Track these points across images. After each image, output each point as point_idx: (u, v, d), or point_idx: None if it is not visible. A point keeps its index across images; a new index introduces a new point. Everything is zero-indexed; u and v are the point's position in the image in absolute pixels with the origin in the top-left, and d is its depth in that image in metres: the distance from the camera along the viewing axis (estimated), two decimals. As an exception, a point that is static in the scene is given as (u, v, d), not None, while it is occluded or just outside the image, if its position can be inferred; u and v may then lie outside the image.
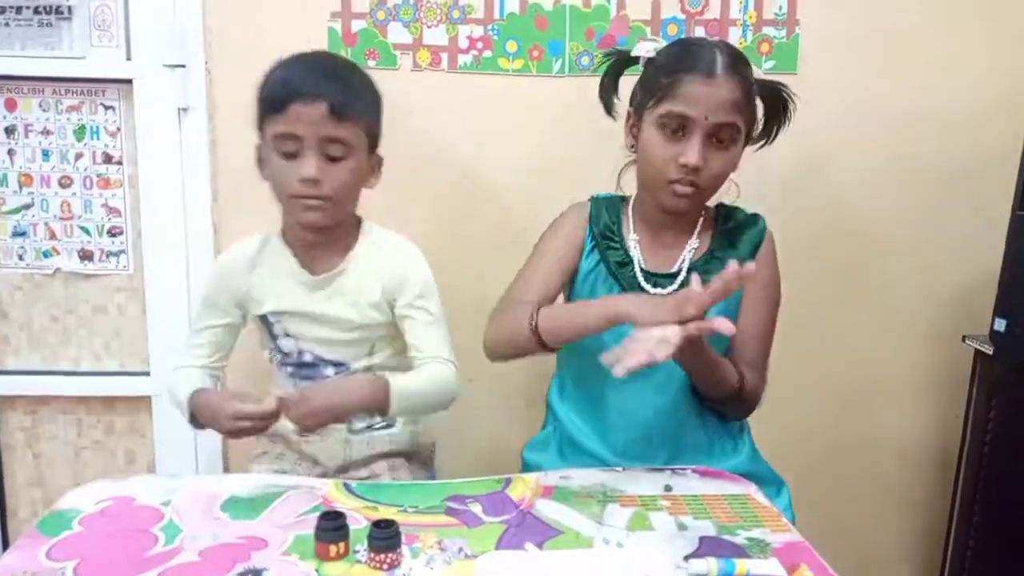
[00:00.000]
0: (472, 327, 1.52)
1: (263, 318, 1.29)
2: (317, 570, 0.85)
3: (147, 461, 1.76)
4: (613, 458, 1.26)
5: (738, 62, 1.18)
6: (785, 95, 1.25)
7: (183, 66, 1.59)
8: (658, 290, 1.24)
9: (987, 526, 1.60)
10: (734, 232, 1.27)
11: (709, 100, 1.15)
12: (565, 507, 1.01)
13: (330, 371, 1.28)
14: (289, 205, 1.20)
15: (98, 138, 1.65)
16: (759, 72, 1.24)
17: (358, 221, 1.30)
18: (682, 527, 0.97)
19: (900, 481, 1.85)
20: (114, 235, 1.69)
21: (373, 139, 1.23)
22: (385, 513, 0.97)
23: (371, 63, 1.59)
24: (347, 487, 1.06)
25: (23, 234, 1.68)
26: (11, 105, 1.64)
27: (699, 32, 1.61)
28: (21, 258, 1.69)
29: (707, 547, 0.92)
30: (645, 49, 1.24)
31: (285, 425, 1.32)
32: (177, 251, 1.65)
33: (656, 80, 1.19)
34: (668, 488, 1.07)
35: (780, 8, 1.62)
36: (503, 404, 1.74)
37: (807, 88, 1.60)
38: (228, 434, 1.15)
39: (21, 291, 1.71)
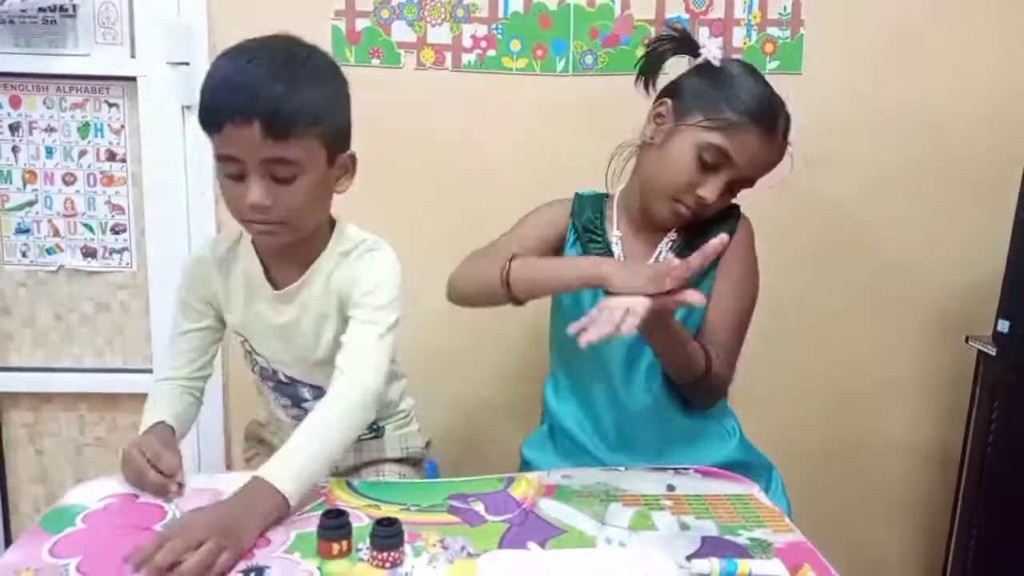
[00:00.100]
0: (472, 328, 1.53)
1: (236, 333, 1.21)
2: (319, 568, 0.85)
3: (149, 458, 1.76)
4: (606, 450, 1.27)
5: (789, 130, 1.22)
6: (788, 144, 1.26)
7: (187, 63, 1.59)
8: None
9: (989, 527, 1.60)
10: (710, 223, 1.25)
11: (757, 158, 1.18)
12: (567, 506, 1.01)
13: (308, 392, 1.20)
14: (245, 228, 1.08)
15: (102, 135, 1.66)
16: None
17: (332, 225, 1.16)
18: (684, 527, 0.97)
19: (902, 482, 1.84)
20: (117, 232, 1.69)
21: (334, 142, 1.05)
22: (387, 511, 0.97)
23: (375, 62, 1.60)
24: (350, 485, 1.06)
25: (27, 231, 1.68)
26: (15, 102, 1.64)
27: (703, 32, 1.61)
28: (25, 255, 1.69)
29: (709, 547, 0.92)
30: (713, 54, 1.22)
31: (271, 429, 1.31)
32: (180, 248, 1.65)
33: (718, 104, 1.17)
34: (671, 487, 1.07)
35: (784, 8, 1.62)
36: (502, 403, 1.74)
37: (812, 88, 1.61)
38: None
39: (25, 288, 1.71)
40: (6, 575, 0.83)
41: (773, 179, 1.25)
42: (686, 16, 1.61)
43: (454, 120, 1.64)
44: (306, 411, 1.18)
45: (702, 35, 1.59)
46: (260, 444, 1.35)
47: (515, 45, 1.61)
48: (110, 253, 1.70)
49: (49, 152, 1.66)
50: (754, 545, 0.92)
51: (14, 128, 1.64)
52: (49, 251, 1.69)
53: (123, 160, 1.67)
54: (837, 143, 1.67)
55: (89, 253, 1.70)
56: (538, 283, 1.16)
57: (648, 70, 1.29)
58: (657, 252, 1.26)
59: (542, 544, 0.92)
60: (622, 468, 1.16)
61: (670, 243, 1.26)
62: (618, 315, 0.97)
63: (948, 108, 1.67)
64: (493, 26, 1.61)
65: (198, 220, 1.65)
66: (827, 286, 1.75)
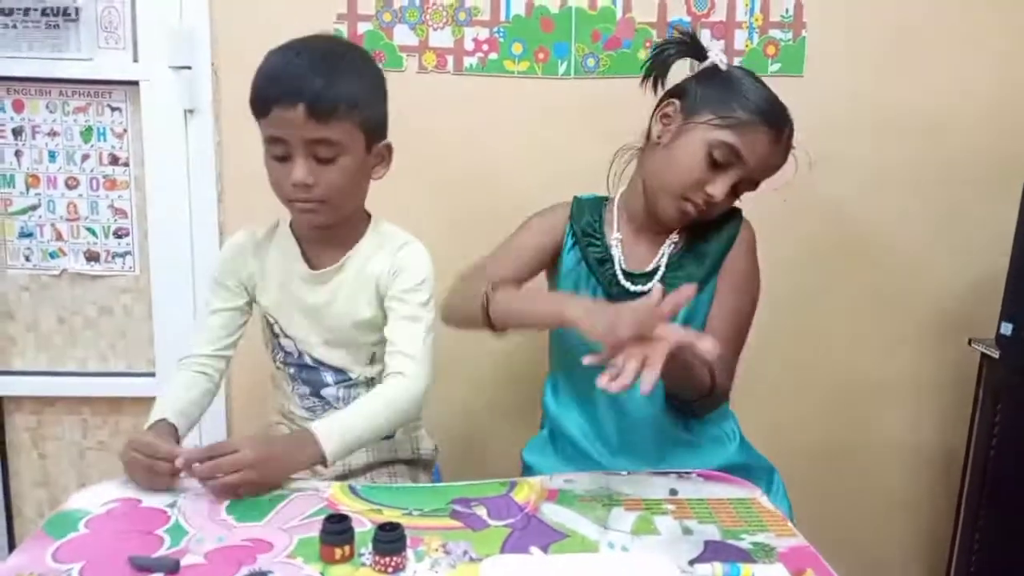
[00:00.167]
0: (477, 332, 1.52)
1: (264, 316, 1.27)
2: (322, 573, 0.85)
3: (152, 462, 1.76)
4: (608, 455, 1.27)
5: (792, 136, 1.23)
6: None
7: (189, 68, 1.59)
8: (637, 287, 1.24)
9: (992, 530, 1.60)
10: (711, 226, 1.26)
11: (765, 158, 1.19)
12: (570, 511, 1.01)
13: (330, 377, 1.26)
14: (287, 207, 1.18)
15: (105, 139, 1.66)
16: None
17: (368, 217, 1.26)
18: (687, 531, 0.96)
19: (905, 484, 1.84)
20: (120, 236, 1.69)
21: (372, 129, 1.15)
22: (390, 516, 0.97)
23: (376, 62, 1.59)
24: (352, 490, 1.06)
25: (30, 235, 1.69)
26: (18, 107, 1.64)
27: (705, 35, 1.61)
28: (28, 259, 1.70)
29: (712, 551, 0.91)
30: (719, 58, 1.24)
31: (281, 430, 1.32)
32: (183, 252, 1.66)
33: (729, 103, 1.18)
34: (673, 492, 1.07)
35: (786, 11, 1.62)
36: (503, 406, 1.74)
37: (813, 90, 1.62)
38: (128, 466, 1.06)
39: (28, 292, 1.72)
40: (10, 580, 0.83)
41: (777, 181, 1.25)
42: (688, 19, 1.61)
43: (456, 123, 1.64)
44: (324, 399, 1.27)
45: (704, 38, 1.60)
46: None
47: (517, 48, 1.62)
48: (113, 257, 1.70)
49: (52, 156, 1.66)
50: (757, 549, 0.92)
51: (17, 132, 1.65)
52: (52, 255, 1.70)
53: (126, 164, 1.67)
54: (838, 144, 1.67)
55: (92, 257, 1.70)
56: (513, 316, 1.16)
57: (656, 71, 1.29)
58: (659, 255, 1.26)
59: (544, 548, 0.92)
60: (624, 472, 1.15)
61: (672, 245, 1.26)
62: (635, 364, 0.95)
63: (949, 109, 1.67)
64: (495, 29, 1.61)
65: (201, 223, 1.65)
66: (828, 287, 1.75)
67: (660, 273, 1.25)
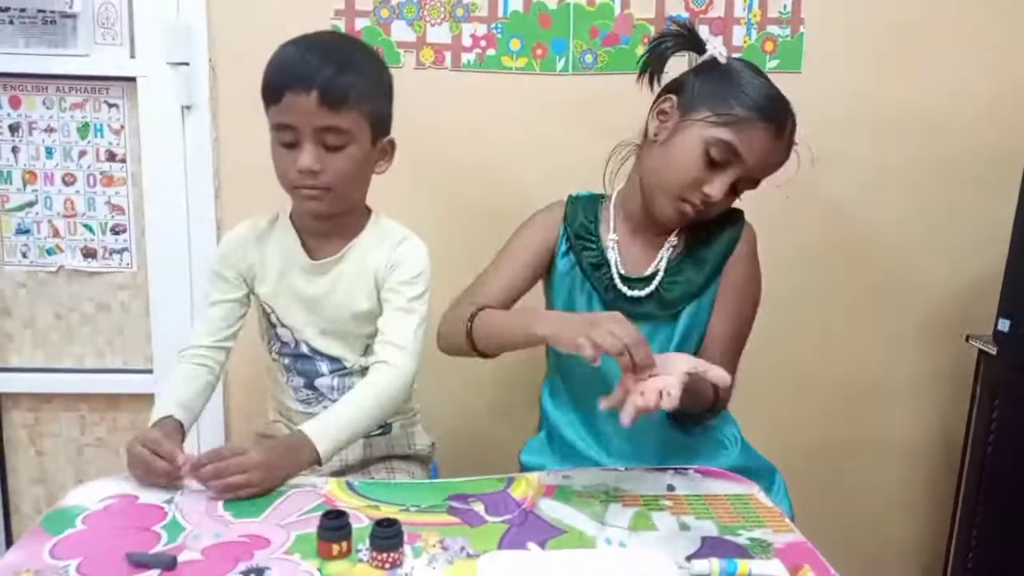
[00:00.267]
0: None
1: (261, 306, 1.28)
2: (319, 569, 0.85)
3: (150, 458, 1.76)
4: (607, 459, 1.26)
5: (795, 131, 1.20)
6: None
7: (187, 64, 1.59)
8: (634, 292, 1.22)
9: (990, 526, 1.60)
10: (712, 229, 1.24)
11: (765, 156, 1.16)
12: (567, 507, 1.01)
13: (326, 366, 1.27)
14: (292, 194, 1.19)
15: (102, 136, 1.66)
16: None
17: (368, 211, 1.28)
18: (684, 527, 0.97)
19: (903, 481, 1.84)
20: (117, 233, 1.69)
21: (378, 123, 1.18)
22: (387, 512, 0.97)
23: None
24: (349, 486, 1.06)
25: (27, 232, 1.69)
26: (15, 103, 1.64)
27: (703, 31, 1.61)
28: (25, 255, 1.69)
29: (709, 547, 0.92)
30: (718, 51, 1.21)
31: (280, 428, 1.33)
32: (180, 249, 1.66)
33: (726, 99, 1.15)
34: (671, 488, 1.07)
35: (784, 7, 1.62)
36: (502, 404, 1.74)
37: (811, 87, 1.61)
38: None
39: (25, 288, 1.71)
40: (6, 576, 0.83)
41: (779, 178, 1.24)
42: (686, 15, 1.61)
43: (454, 119, 1.64)
44: (318, 390, 1.27)
45: (702, 33, 1.59)
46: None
47: (515, 44, 1.61)
48: (110, 253, 1.70)
49: (49, 152, 1.66)
50: (754, 545, 0.92)
51: (14, 129, 1.64)
52: (49, 252, 1.69)
53: (123, 160, 1.67)
54: (837, 142, 1.67)
55: (89, 254, 1.70)
56: (493, 340, 1.16)
57: (652, 66, 1.25)
58: (658, 259, 1.24)
59: (542, 544, 0.92)
60: (622, 468, 1.15)
61: (671, 249, 1.25)
62: (653, 398, 0.95)
63: (948, 106, 1.67)
64: (493, 25, 1.61)
65: (198, 220, 1.65)
66: (827, 285, 1.75)
67: (659, 278, 1.23)
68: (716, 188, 1.15)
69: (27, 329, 1.73)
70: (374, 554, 0.86)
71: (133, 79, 1.61)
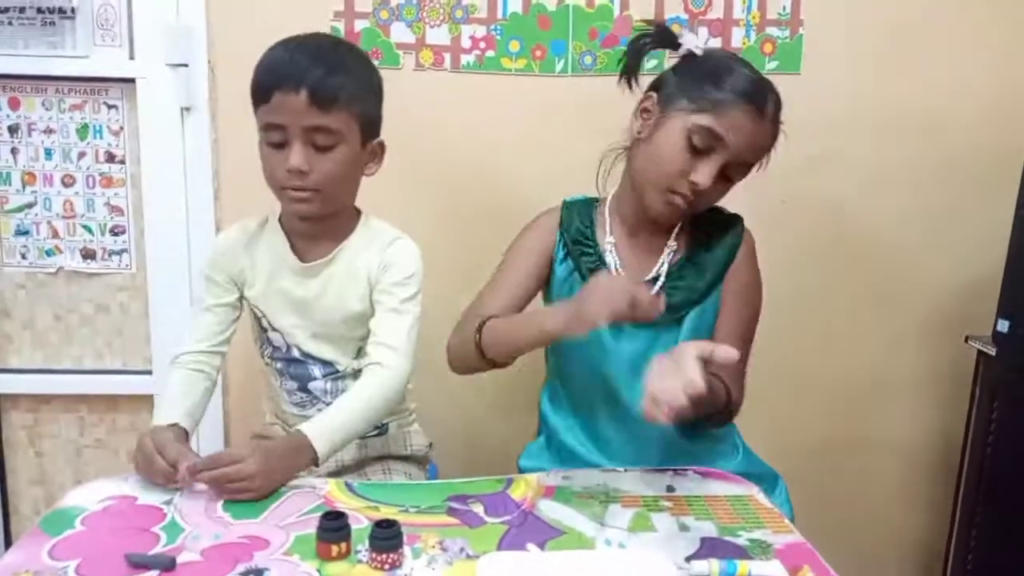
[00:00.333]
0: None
1: (252, 310, 1.28)
2: (319, 570, 0.85)
3: (149, 460, 1.76)
4: (609, 465, 1.24)
5: (779, 113, 1.18)
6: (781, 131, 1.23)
7: (186, 65, 1.59)
8: None
9: (989, 527, 1.60)
10: (712, 234, 1.25)
11: (750, 138, 1.14)
12: (567, 507, 1.01)
13: (318, 370, 1.27)
14: (280, 195, 1.18)
15: (101, 137, 1.66)
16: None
17: (358, 213, 1.27)
18: (684, 528, 0.97)
19: (902, 481, 1.84)
20: (117, 234, 1.69)
21: (368, 125, 1.18)
22: (386, 513, 0.97)
23: (374, 63, 1.59)
24: (349, 487, 1.06)
25: (26, 233, 1.68)
26: (14, 104, 1.64)
27: (702, 33, 1.61)
28: (24, 257, 1.69)
29: (709, 548, 0.92)
30: (693, 43, 1.20)
31: (277, 430, 1.33)
32: (179, 250, 1.66)
33: (702, 86, 1.15)
34: (670, 489, 1.07)
35: (784, 8, 1.62)
36: (502, 405, 1.73)
37: (811, 88, 1.62)
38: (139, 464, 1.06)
39: (24, 290, 1.71)
40: (5, 577, 0.83)
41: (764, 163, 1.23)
42: (685, 16, 1.61)
43: (453, 121, 1.64)
44: (311, 393, 1.27)
45: (701, 35, 1.60)
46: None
47: (514, 46, 1.61)
48: (109, 255, 1.70)
49: (48, 154, 1.66)
50: (753, 546, 0.92)
51: (13, 130, 1.64)
52: (48, 253, 1.69)
53: (122, 162, 1.67)
54: (836, 142, 1.67)
55: (88, 255, 1.70)
56: (503, 347, 1.15)
57: (629, 68, 1.26)
58: (659, 264, 1.24)
59: (541, 545, 0.92)
60: (621, 469, 1.15)
61: (671, 253, 1.24)
62: (678, 393, 0.92)
63: (948, 107, 1.67)
64: (492, 27, 1.61)
65: (197, 221, 1.65)
66: (826, 285, 1.75)
67: (660, 282, 1.22)
68: (702, 175, 1.14)
69: (26, 330, 1.73)
70: (373, 555, 0.86)
71: (132, 80, 1.61)
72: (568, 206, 1.30)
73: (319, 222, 1.20)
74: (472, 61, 1.62)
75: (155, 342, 1.70)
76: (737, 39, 1.62)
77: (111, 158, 1.66)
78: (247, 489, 1.00)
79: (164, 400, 1.20)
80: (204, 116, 1.61)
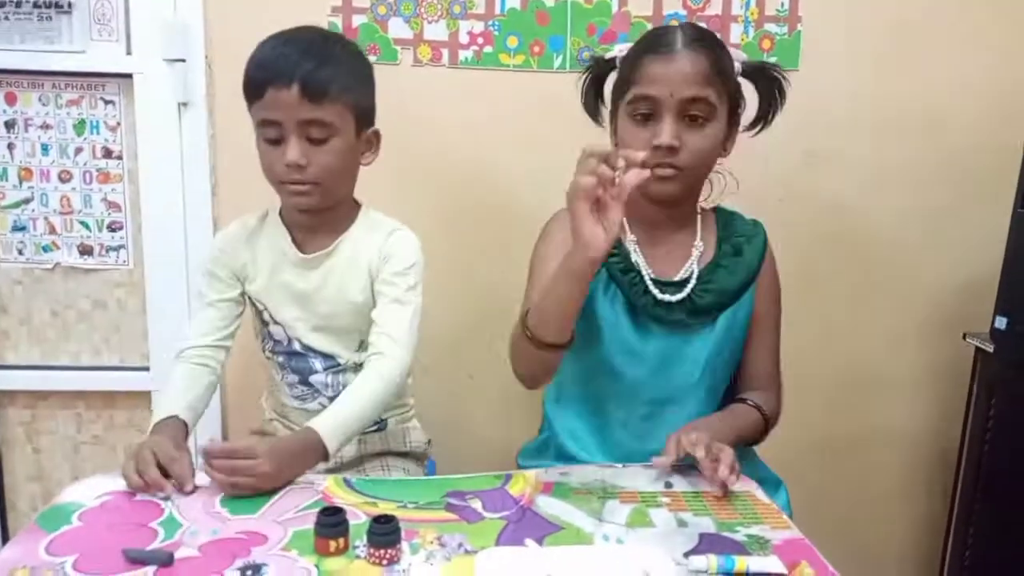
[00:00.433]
0: (471, 320, 1.53)
1: (253, 304, 1.28)
2: (317, 565, 0.85)
3: (147, 456, 1.76)
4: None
5: (702, 37, 1.15)
6: (776, 74, 1.22)
7: (183, 61, 1.58)
8: (666, 296, 1.21)
9: (986, 523, 1.60)
10: (738, 241, 1.26)
11: (671, 76, 1.12)
12: (565, 503, 1.01)
13: (319, 363, 1.27)
14: (279, 190, 1.19)
15: (98, 133, 1.65)
16: (743, 55, 1.22)
17: (357, 205, 1.28)
18: (682, 524, 0.97)
19: (900, 478, 1.85)
20: (114, 230, 1.69)
21: (362, 115, 1.19)
22: (385, 509, 0.97)
23: (372, 58, 1.58)
24: (347, 482, 1.06)
25: (23, 229, 1.68)
26: (11, 99, 1.63)
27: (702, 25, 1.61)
28: (21, 252, 1.69)
29: (707, 544, 0.92)
30: (620, 49, 1.23)
31: (276, 428, 1.33)
32: (177, 246, 1.65)
33: (622, 72, 1.19)
34: (668, 485, 1.07)
35: (782, 5, 1.62)
36: (502, 401, 1.73)
37: (809, 85, 1.61)
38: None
39: (21, 286, 1.71)
40: (3, 573, 0.83)
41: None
42: (683, 12, 1.61)
43: (451, 116, 1.63)
44: (312, 387, 1.28)
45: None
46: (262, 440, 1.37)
47: (512, 41, 1.61)
48: (107, 250, 1.69)
49: (45, 149, 1.65)
50: (751, 542, 0.92)
51: (9, 125, 1.64)
52: (45, 248, 1.69)
53: (119, 157, 1.66)
54: (835, 140, 1.67)
55: (86, 250, 1.69)
56: (551, 318, 1.07)
57: (585, 106, 1.29)
58: (689, 263, 1.23)
59: (539, 541, 0.92)
60: (619, 465, 1.15)
61: (699, 252, 1.24)
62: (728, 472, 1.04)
63: (946, 104, 1.68)
64: (490, 22, 1.60)
65: (195, 217, 1.65)
66: (825, 283, 1.75)
67: (692, 284, 1.22)
68: (663, 136, 1.12)
69: (23, 326, 1.73)
70: (371, 550, 0.86)
71: (129, 76, 1.60)
72: None
73: (319, 214, 1.21)
74: (470, 57, 1.62)
75: (152, 338, 1.69)
76: (735, 35, 1.62)
77: (108, 154, 1.66)
78: (253, 487, 1.00)
79: (166, 393, 1.20)
80: (201, 111, 1.61)
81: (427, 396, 1.46)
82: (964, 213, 1.72)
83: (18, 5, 1.56)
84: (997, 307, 1.50)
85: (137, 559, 0.85)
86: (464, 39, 1.61)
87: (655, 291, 1.21)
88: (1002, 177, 1.56)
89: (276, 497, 1.00)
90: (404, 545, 0.88)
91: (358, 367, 1.24)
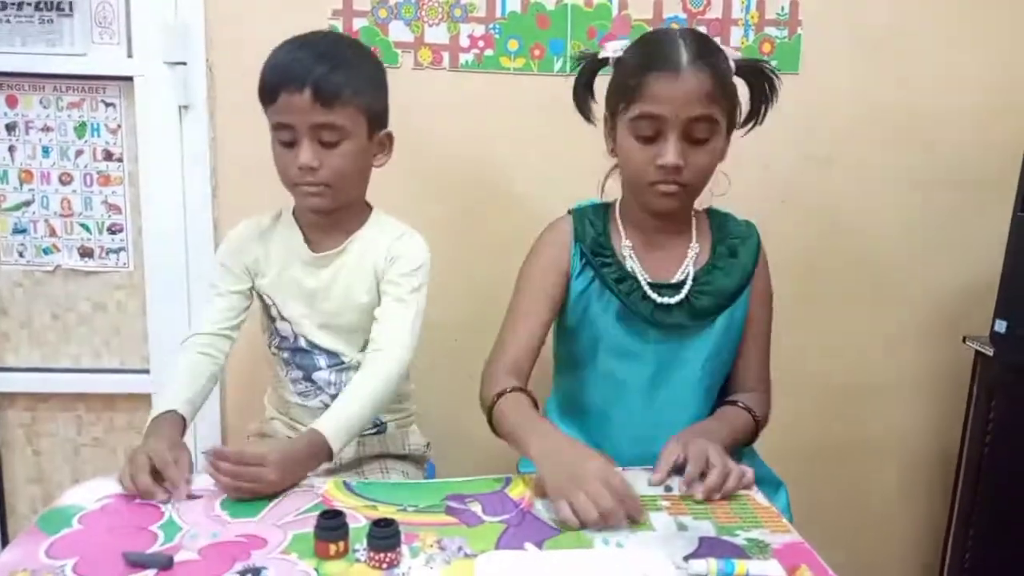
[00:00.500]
0: (470, 321, 1.53)
1: (261, 298, 1.29)
2: (316, 569, 0.85)
3: (147, 458, 1.76)
4: None
5: (705, 51, 1.13)
6: (768, 72, 1.21)
7: (184, 63, 1.59)
8: (664, 299, 1.20)
9: (986, 526, 1.60)
10: (733, 243, 1.25)
11: (678, 97, 1.11)
12: (565, 507, 1.01)
13: (323, 360, 1.28)
14: (293, 191, 1.22)
15: (99, 135, 1.65)
16: (735, 53, 1.20)
17: (368, 207, 1.30)
18: (682, 527, 0.96)
19: (900, 481, 1.85)
20: (114, 232, 1.69)
21: (374, 117, 1.21)
22: (384, 512, 0.97)
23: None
24: (347, 486, 1.06)
25: (23, 231, 1.68)
26: (12, 102, 1.63)
27: (700, 32, 1.61)
28: (21, 255, 1.69)
29: (707, 548, 0.91)
30: (613, 49, 1.21)
31: (276, 428, 1.33)
32: (177, 248, 1.65)
33: (624, 82, 1.16)
34: (668, 488, 1.07)
35: (782, 8, 1.62)
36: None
37: (809, 88, 1.62)
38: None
39: (21, 288, 1.71)
40: (2, 576, 0.83)
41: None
42: (683, 16, 1.61)
43: (451, 120, 1.64)
44: (315, 384, 1.29)
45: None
46: (261, 442, 1.38)
47: (512, 45, 1.61)
48: (107, 253, 1.70)
49: (46, 152, 1.66)
50: (751, 546, 0.92)
51: (10, 128, 1.64)
52: (46, 251, 1.69)
53: (120, 160, 1.66)
54: (834, 143, 1.68)
55: (86, 253, 1.69)
56: (504, 435, 1.15)
57: (577, 104, 1.27)
58: (685, 265, 1.23)
59: (539, 544, 0.92)
60: (619, 469, 1.15)
61: (694, 257, 1.24)
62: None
63: (946, 108, 1.68)
64: (490, 26, 1.61)
65: (195, 220, 1.65)
66: (824, 286, 1.75)
67: (688, 286, 1.21)
68: (668, 155, 1.12)
69: (24, 329, 1.73)
70: (371, 554, 0.86)
71: (130, 78, 1.61)
72: (578, 215, 1.27)
73: (331, 214, 1.24)
74: (471, 60, 1.62)
75: (152, 340, 1.69)
76: (736, 39, 1.62)
77: (109, 156, 1.66)
78: (256, 492, 1.00)
79: (168, 386, 1.20)
80: (202, 114, 1.61)
81: (427, 398, 1.46)
82: (964, 216, 1.72)
83: (19, 8, 1.57)
84: (997, 310, 1.50)
85: (137, 562, 0.85)
86: (465, 42, 1.61)
87: (653, 295, 1.21)
88: (1002, 180, 1.56)
89: (276, 500, 1.00)
90: (404, 548, 0.88)
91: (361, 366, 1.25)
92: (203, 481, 1.03)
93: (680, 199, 1.18)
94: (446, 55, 1.61)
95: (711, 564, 0.85)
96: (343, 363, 1.28)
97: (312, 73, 1.12)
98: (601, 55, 1.23)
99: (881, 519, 1.86)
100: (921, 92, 1.67)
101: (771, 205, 1.66)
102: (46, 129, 1.65)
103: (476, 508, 1.00)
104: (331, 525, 0.88)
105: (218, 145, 1.63)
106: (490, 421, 1.17)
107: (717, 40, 1.20)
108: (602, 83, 1.25)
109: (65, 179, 1.66)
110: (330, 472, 1.27)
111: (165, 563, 0.85)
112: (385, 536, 0.86)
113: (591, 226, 1.25)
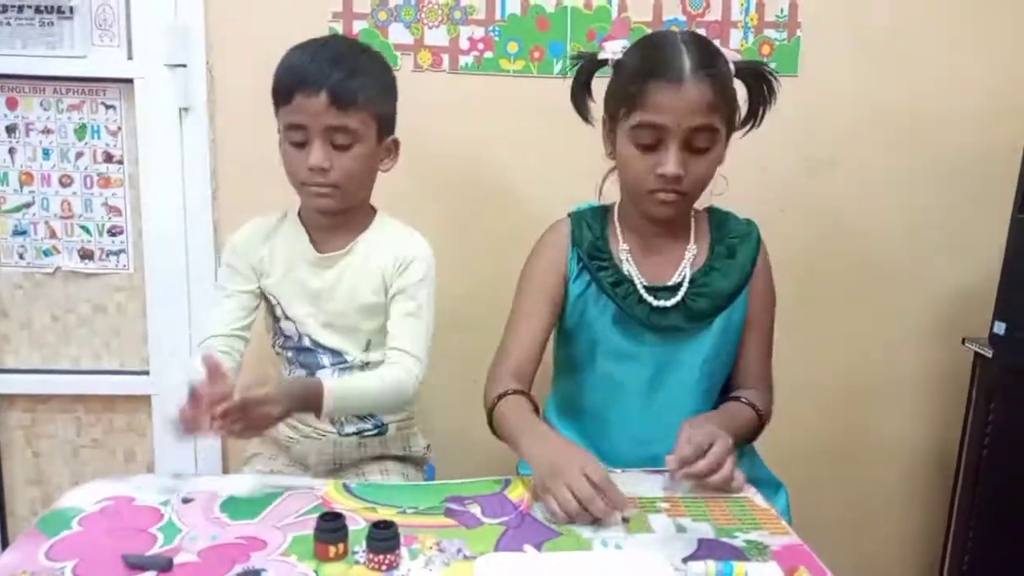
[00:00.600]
0: (470, 324, 1.53)
1: (267, 298, 1.30)
2: (316, 571, 0.85)
3: (146, 460, 1.76)
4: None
5: (707, 59, 1.12)
6: (767, 74, 1.21)
7: (184, 66, 1.59)
8: (660, 302, 1.21)
9: (985, 528, 1.60)
10: (732, 242, 1.25)
11: (680, 107, 1.10)
12: (564, 509, 1.01)
13: (327, 359, 1.29)
14: (301, 192, 1.23)
15: (99, 137, 1.65)
16: (735, 55, 1.20)
17: (373, 209, 1.32)
18: (681, 529, 0.97)
19: (899, 483, 1.85)
20: (114, 234, 1.69)
21: (384, 123, 1.23)
22: (384, 514, 0.97)
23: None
24: (346, 488, 1.06)
25: (23, 233, 1.68)
26: (12, 104, 1.64)
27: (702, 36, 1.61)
28: (21, 257, 1.69)
29: (706, 549, 0.92)
30: (611, 51, 1.20)
31: (278, 427, 1.33)
32: (177, 250, 1.65)
33: (624, 88, 1.15)
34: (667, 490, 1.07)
35: (781, 10, 1.62)
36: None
37: (808, 90, 1.62)
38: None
39: (21, 290, 1.71)
40: (2, 578, 0.83)
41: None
42: (683, 18, 1.62)
43: (451, 122, 1.64)
44: None
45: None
46: (261, 444, 1.39)
47: (512, 47, 1.62)
48: (107, 255, 1.70)
49: (46, 154, 1.66)
50: (750, 547, 0.92)
51: (11, 130, 1.64)
52: (46, 253, 1.69)
53: (120, 162, 1.66)
54: (834, 145, 1.68)
55: (86, 255, 1.69)
56: (503, 437, 1.17)
57: (576, 104, 1.26)
58: (681, 268, 1.23)
59: (538, 546, 0.92)
60: (619, 471, 1.15)
61: (692, 258, 1.24)
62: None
63: (944, 110, 1.68)
64: (490, 28, 1.61)
65: (195, 222, 1.65)
66: (824, 288, 1.75)
67: (684, 288, 1.21)
68: (668, 165, 1.12)
69: (24, 330, 1.73)
70: (371, 556, 0.86)
71: (130, 81, 1.61)
72: (577, 218, 1.28)
73: (337, 216, 1.25)
74: (470, 62, 1.62)
75: (152, 342, 1.69)
76: (735, 41, 1.63)
77: (109, 158, 1.66)
78: (258, 430, 1.06)
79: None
80: (202, 116, 1.61)
81: (428, 400, 1.46)
82: (963, 218, 1.72)
83: (20, 11, 1.57)
84: (996, 312, 1.50)
85: (137, 564, 0.85)
86: (464, 44, 1.61)
87: (649, 298, 1.21)
88: (1001, 182, 1.56)
89: (276, 502, 1.01)
90: (403, 550, 0.88)
91: (365, 366, 1.28)
92: (201, 484, 1.03)
93: (679, 207, 1.19)
94: (446, 57, 1.62)
95: (710, 566, 0.85)
96: (346, 362, 1.29)
97: (330, 77, 1.15)
98: (600, 56, 1.22)
99: (880, 520, 1.86)
100: (920, 93, 1.67)
101: (769, 208, 1.66)
102: (46, 131, 1.65)
103: (475, 510, 1.00)
104: (331, 527, 0.88)
105: (218, 147, 1.64)
106: (490, 423, 1.18)
107: (717, 43, 1.20)
108: (600, 83, 1.25)
109: (65, 181, 1.67)
110: (330, 472, 1.29)
111: (164, 565, 0.85)
112: (384, 538, 0.86)
113: (588, 230, 1.25)
